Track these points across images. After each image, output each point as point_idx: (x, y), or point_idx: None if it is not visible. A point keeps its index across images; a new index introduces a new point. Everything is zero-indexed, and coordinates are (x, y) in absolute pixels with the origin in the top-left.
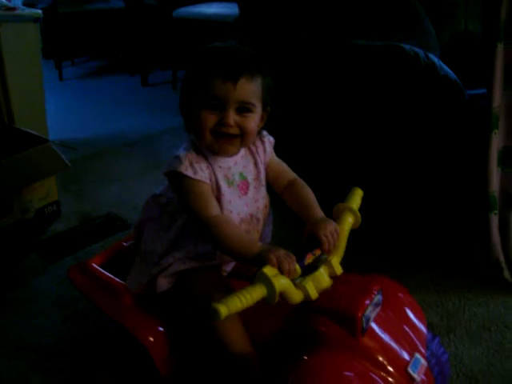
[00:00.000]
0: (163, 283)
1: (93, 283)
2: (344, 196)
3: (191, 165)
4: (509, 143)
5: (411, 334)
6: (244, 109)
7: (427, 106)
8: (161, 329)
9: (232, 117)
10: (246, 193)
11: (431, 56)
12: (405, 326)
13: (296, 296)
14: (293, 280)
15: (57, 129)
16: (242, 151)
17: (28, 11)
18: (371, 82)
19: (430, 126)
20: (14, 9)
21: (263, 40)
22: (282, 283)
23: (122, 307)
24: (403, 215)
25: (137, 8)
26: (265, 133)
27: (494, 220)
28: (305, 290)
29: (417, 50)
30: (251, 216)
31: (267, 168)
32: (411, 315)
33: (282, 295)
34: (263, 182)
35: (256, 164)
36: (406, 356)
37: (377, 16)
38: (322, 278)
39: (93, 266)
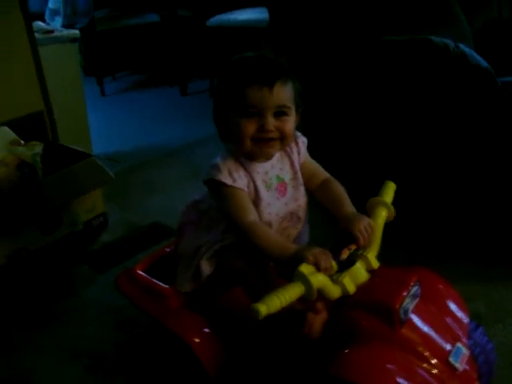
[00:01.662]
0: (206, 268)
1: (139, 289)
2: (377, 190)
3: (230, 173)
4: None
5: (452, 324)
6: (281, 113)
7: (460, 96)
8: (206, 330)
9: (271, 122)
10: (284, 194)
11: (461, 45)
12: (445, 317)
13: (334, 292)
14: (330, 276)
15: (101, 143)
16: (278, 154)
17: (66, 32)
18: (403, 77)
19: (463, 117)
20: (52, 31)
21: (295, 42)
22: (319, 280)
23: (167, 311)
24: (441, 207)
25: (172, 20)
26: (298, 134)
27: None
28: (342, 286)
29: (446, 40)
30: (291, 214)
31: (301, 168)
32: (452, 306)
33: (320, 291)
34: (301, 181)
35: (292, 164)
36: (447, 346)
37: (407, 9)
38: (359, 272)
39: (137, 273)
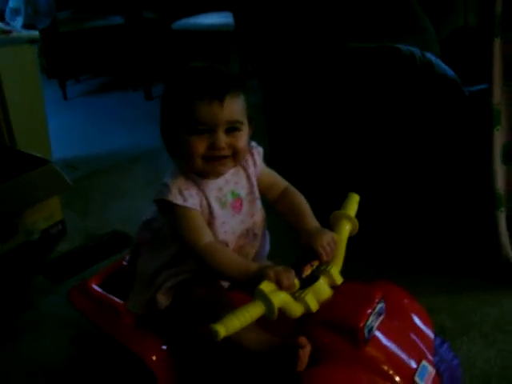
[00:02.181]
0: (162, 301)
1: (92, 304)
2: (341, 202)
3: (180, 192)
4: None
5: (418, 340)
6: (233, 128)
7: (426, 105)
8: (163, 347)
9: (223, 139)
10: (240, 210)
11: (428, 54)
12: (411, 334)
13: (296, 310)
14: (292, 293)
15: (62, 148)
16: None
17: (25, 33)
18: (369, 85)
19: (430, 126)
20: (9, 32)
21: (261, 47)
22: (280, 298)
23: (123, 327)
24: (406, 218)
25: (136, 23)
26: (253, 144)
27: (502, 218)
28: (305, 303)
29: (413, 49)
30: (247, 231)
31: (259, 180)
32: (417, 321)
33: (282, 310)
34: (257, 195)
35: (248, 178)
36: (412, 364)
37: (373, 17)
38: (322, 288)
39: (92, 287)
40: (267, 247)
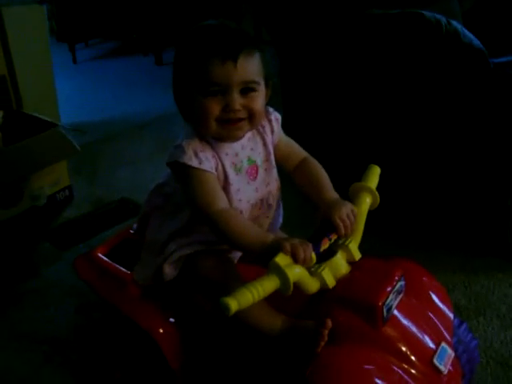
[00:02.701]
0: (169, 271)
1: (99, 274)
2: (361, 175)
3: (196, 154)
4: None
5: (437, 321)
6: (249, 89)
7: (450, 75)
8: (170, 320)
9: (238, 100)
10: (255, 177)
11: (454, 22)
12: (430, 313)
13: (312, 285)
14: (308, 268)
15: (71, 112)
16: (249, 133)
17: None
18: (391, 53)
19: (454, 98)
20: None
21: (277, 12)
22: (296, 272)
23: (129, 299)
24: (426, 193)
25: None
26: (270, 110)
27: None
28: (321, 278)
29: (438, 16)
30: (262, 201)
31: (276, 148)
32: (437, 301)
33: (297, 285)
34: (273, 164)
35: (265, 145)
36: (431, 345)
37: None
38: (340, 264)
39: (98, 256)
40: (280, 219)
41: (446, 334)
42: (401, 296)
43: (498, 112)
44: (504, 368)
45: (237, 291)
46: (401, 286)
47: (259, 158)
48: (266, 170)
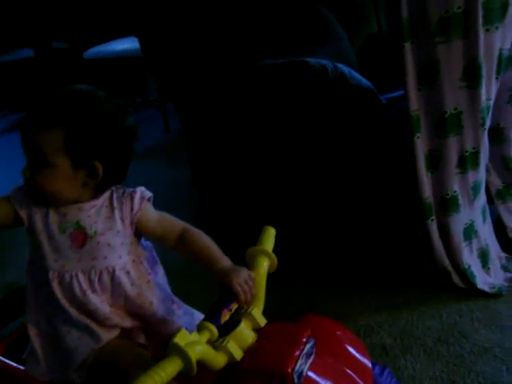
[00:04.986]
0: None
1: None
2: (255, 238)
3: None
4: (433, 146)
5: (356, 376)
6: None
7: (343, 117)
8: None
9: (26, 171)
10: (81, 246)
11: (340, 66)
12: (347, 369)
13: (218, 360)
14: (211, 343)
15: None
16: (99, 201)
17: None
18: (283, 102)
19: (349, 139)
20: None
21: (170, 70)
22: (198, 350)
23: None
24: (336, 235)
25: (46, 54)
26: (139, 189)
27: (433, 226)
28: (227, 352)
29: (324, 61)
30: (84, 274)
31: (143, 228)
32: (354, 353)
33: (202, 363)
34: (112, 241)
35: (110, 218)
36: None
37: (284, 31)
38: (245, 333)
39: None
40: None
41: None
42: (312, 358)
43: (397, 145)
44: None
45: (140, 378)
46: (310, 347)
47: (93, 229)
48: (98, 243)
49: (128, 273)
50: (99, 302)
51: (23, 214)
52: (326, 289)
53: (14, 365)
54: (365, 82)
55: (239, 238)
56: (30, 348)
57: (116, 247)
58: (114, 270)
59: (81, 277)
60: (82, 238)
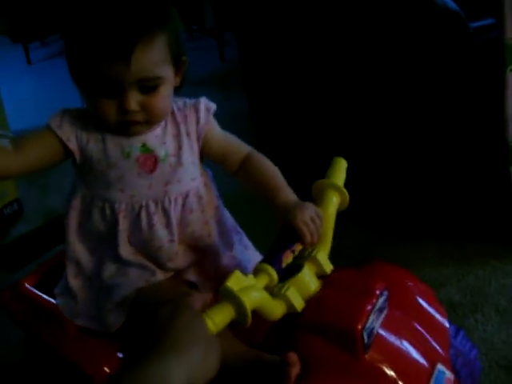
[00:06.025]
0: (113, 318)
1: (29, 310)
2: (324, 170)
3: (62, 119)
4: None
5: (429, 336)
6: (147, 87)
7: (425, 43)
8: (118, 355)
9: (133, 100)
10: (151, 171)
11: None
12: (420, 327)
13: (276, 310)
14: (269, 289)
15: (24, 117)
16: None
17: None
18: (360, 22)
19: (431, 68)
20: None
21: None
22: (253, 297)
23: (66, 338)
24: (401, 179)
25: None
26: (202, 99)
27: None
28: (287, 300)
29: None
30: (156, 204)
31: (207, 145)
32: (426, 307)
33: (258, 312)
34: (185, 161)
35: (178, 136)
36: (425, 369)
37: None
38: (307, 280)
39: (26, 288)
40: (225, 260)
41: (441, 351)
42: (384, 313)
43: (483, 79)
44: (509, 372)
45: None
46: (383, 302)
47: (163, 150)
48: (170, 165)
49: (200, 198)
50: (166, 238)
51: (72, 145)
52: (385, 233)
53: (46, 297)
54: (452, 3)
55: (302, 172)
56: (65, 284)
57: (189, 168)
58: (187, 195)
59: (152, 207)
60: (152, 161)
